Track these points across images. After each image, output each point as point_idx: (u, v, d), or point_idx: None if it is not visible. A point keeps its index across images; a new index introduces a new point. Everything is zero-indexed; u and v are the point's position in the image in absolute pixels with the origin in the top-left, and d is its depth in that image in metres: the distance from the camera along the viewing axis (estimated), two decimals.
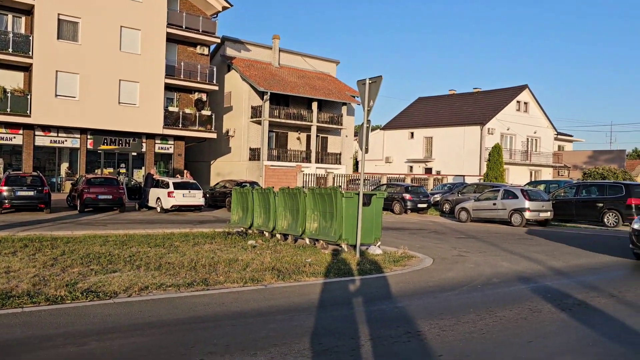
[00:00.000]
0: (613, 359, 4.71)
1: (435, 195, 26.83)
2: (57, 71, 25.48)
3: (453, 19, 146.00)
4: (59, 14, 25.41)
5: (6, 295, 6.13)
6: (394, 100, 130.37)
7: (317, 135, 36.23)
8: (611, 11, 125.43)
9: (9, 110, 24.36)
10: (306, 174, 32.10)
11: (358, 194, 10.02)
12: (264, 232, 12.92)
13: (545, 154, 45.53)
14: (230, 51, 35.76)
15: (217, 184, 25.46)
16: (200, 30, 30.36)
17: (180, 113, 29.80)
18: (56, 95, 25.54)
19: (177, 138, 30.45)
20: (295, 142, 36.47)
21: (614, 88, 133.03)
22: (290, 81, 35.56)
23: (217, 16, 32.21)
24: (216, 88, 31.87)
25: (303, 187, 22.11)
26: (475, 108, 43.97)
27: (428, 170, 43.81)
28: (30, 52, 24.87)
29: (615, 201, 18.24)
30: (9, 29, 25.12)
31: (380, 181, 33.07)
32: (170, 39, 29.44)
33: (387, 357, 4.51)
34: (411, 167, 45.92)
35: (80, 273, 7.60)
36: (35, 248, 9.70)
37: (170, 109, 29.64)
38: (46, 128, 26.29)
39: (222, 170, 34.87)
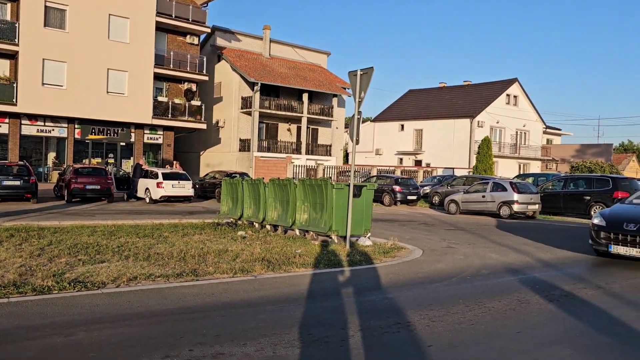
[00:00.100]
0: (600, 349, 4.76)
1: (425, 188, 26.92)
2: (44, 59, 25.09)
3: (444, 12, 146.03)
4: (45, 1, 24.98)
5: None
6: (385, 93, 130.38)
7: (307, 127, 36.14)
8: (600, 7, 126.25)
9: None
10: (296, 166, 32.04)
11: (348, 186, 10.01)
12: (254, 223, 12.88)
13: (534, 147, 45.86)
14: (220, 41, 35.45)
15: (207, 174, 25.33)
16: (190, 19, 30.05)
17: (170, 103, 29.54)
18: (43, 84, 25.17)
19: (166, 128, 30.20)
20: (285, 133, 36.36)
21: (602, 83, 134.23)
22: (281, 72, 35.37)
23: (207, 5, 31.89)
24: (206, 78, 31.60)
25: (293, 178, 22.03)
26: (466, 101, 44.11)
27: (418, 163, 43.95)
28: (16, 40, 24.45)
29: (602, 194, 18.43)
30: None
31: (370, 173, 33.12)
32: (160, 28, 29.10)
33: (377, 348, 4.52)
34: (401, 159, 46.03)
35: (68, 263, 7.52)
36: (21, 238, 9.57)
37: (160, 98, 29.37)
38: (33, 117, 25.92)
39: (211, 161, 34.69)
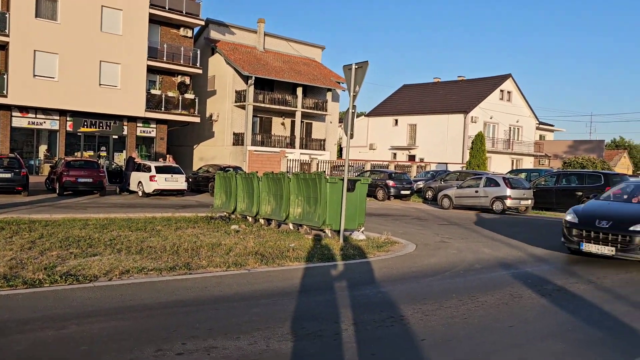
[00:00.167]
0: (592, 343, 4.80)
1: (419, 183, 26.98)
2: (35, 50, 24.82)
3: (439, 8, 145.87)
4: None
5: None
6: (379, 87, 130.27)
7: (301, 121, 36.05)
8: (594, 4, 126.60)
9: None
10: (290, 160, 31.99)
11: (342, 180, 10.00)
12: (247, 217, 12.85)
13: (526, 143, 46.06)
14: (214, 34, 35.22)
15: (200, 168, 25.23)
16: (184, 11, 29.80)
17: (163, 96, 29.34)
18: (34, 76, 24.90)
19: (159, 121, 30.01)
20: (279, 127, 36.25)
21: (595, 80, 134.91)
22: (275, 66, 35.22)
23: None
24: (200, 71, 31.41)
25: (287, 172, 22.00)
26: (459, 96, 44.17)
27: (411, 158, 44.02)
28: (7, 30, 24.15)
29: (594, 190, 18.52)
30: None
31: (364, 168, 33.13)
32: (153, 20, 28.85)
33: (371, 342, 4.52)
34: (395, 154, 46.07)
35: (59, 256, 7.46)
36: (12, 231, 9.48)
37: (153, 91, 29.15)
38: (24, 109, 25.65)
39: (205, 155, 34.55)
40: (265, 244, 9.23)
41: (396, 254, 9.12)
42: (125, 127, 28.90)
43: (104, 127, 28.25)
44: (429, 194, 24.07)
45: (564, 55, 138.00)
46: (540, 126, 50.66)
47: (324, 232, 10.42)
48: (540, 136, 52.47)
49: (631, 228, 8.18)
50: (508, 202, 18.41)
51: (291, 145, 35.27)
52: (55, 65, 25.37)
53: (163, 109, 29.26)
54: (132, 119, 28.90)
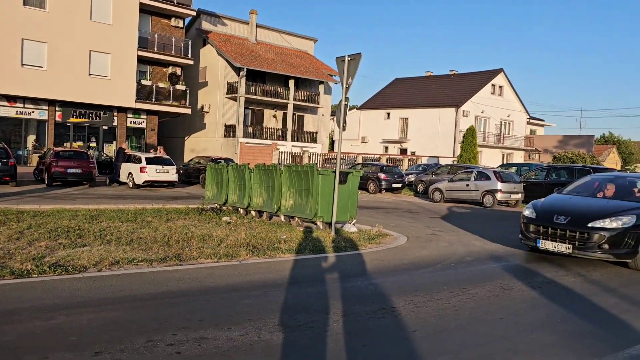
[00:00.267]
0: (581, 335, 4.83)
1: (410, 176, 27.04)
2: (22, 39, 24.43)
3: (431, 1, 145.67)
4: None
5: None
6: (371, 81, 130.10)
7: (293, 114, 35.92)
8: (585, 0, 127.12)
9: None
10: (282, 152, 31.90)
11: (334, 172, 9.97)
12: (239, 209, 12.80)
13: (517, 137, 46.31)
14: (206, 25, 34.90)
15: (191, 160, 25.08)
16: (175, 1, 29.49)
17: (154, 87, 29.06)
18: (22, 65, 24.54)
19: (150, 112, 29.74)
20: (271, 119, 36.10)
21: (585, 75, 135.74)
22: (267, 58, 35.01)
23: None
24: (191, 62, 31.13)
25: (279, 164, 21.92)
26: (451, 90, 44.25)
27: (403, 151, 44.09)
28: None
29: None
30: None
31: (355, 161, 33.13)
32: (144, 10, 28.50)
33: (362, 333, 4.52)
34: (386, 147, 46.13)
35: (48, 247, 7.38)
36: None
37: (143, 82, 28.86)
38: (11, 98, 25.29)
39: (196, 147, 34.35)
40: (256, 235, 9.20)
41: (387, 247, 9.13)
42: (115, 118, 28.62)
43: (94, 118, 27.95)
44: (420, 187, 24.14)
45: (556, 50, 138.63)
46: (531, 121, 50.94)
47: (316, 224, 10.40)
48: (531, 131, 52.77)
49: (590, 225, 7.67)
50: (499, 196, 18.52)
51: (283, 137, 35.15)
52: (44, 54, 25.00)
53: (154, 99, 29.00)
54: (123, 110, 28.62)
